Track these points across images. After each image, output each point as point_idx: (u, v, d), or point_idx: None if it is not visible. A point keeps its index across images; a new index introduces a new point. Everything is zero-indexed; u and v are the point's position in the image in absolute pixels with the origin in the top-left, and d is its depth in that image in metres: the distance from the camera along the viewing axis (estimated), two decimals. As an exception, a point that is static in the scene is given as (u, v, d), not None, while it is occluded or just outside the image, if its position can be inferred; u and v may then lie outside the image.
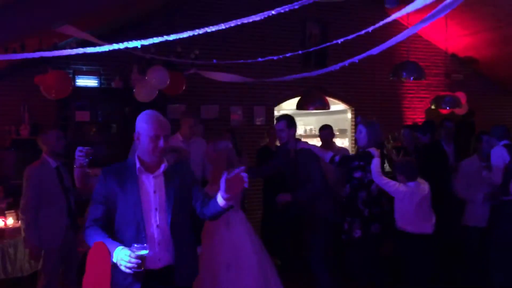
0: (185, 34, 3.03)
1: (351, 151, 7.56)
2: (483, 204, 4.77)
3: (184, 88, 6.22)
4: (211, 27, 3.04)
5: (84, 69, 6.48)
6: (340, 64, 4.66)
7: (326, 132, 6.03)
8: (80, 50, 3.00)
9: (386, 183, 4.17)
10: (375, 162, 4.12)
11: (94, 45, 3.85)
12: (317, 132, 6.67)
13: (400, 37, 4.05)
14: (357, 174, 4.25)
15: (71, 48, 5.27)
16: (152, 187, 2.50)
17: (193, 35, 3.19)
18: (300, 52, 4.36)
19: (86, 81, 6.41)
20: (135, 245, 2.21)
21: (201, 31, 3.08)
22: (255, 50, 6.88)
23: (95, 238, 2.33)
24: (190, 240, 2.64)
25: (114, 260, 2.22)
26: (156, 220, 2.46)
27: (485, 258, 4.64)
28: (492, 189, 4.62)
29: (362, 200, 4.20)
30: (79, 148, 3.26)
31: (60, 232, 4.13)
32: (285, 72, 6.31)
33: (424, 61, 8.35)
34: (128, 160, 2.59)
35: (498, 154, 4.48)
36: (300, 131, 10.05)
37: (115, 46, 2.89)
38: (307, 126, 9.76)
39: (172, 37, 3.06)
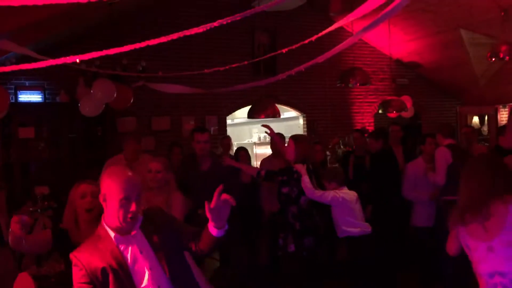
0: (126, 48, 2.98)
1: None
2: (429, 205, 4.93)
3: (132, 101, 6.12)
4: (153, 40, 3.01)
5: (27, 84, 6.26)
6: (287, 73, 4.73)
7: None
8: (15, 67, 2.89)
9: (322, 195, 4.27)
10: (305, 180, 4.17)
11: (34, 60, 3.73)
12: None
13: (344, 45, 4.16)
14: (285, 190, 4.28)
15: (11, 63, 5.10)
16: (136, 248, 2.17)
17: (137, 48, 3.15)
18: (246, 62, 4.38)
19: (30, 97, 6.19)
20: None
21: (143, 44, 3.03)
22: (204, 61, 6.88)
23: None
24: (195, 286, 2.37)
25: None
26: (154, 282, 2.14)
27: (435, 257, 4.79)
28: (436, 190, 4.78)
29: (292, 214, 4.24)
30: (15, 218, 2.59)
31: None
32: (236, 81, 6.33)
33: (370, 66, 8.61)
34: (98, 232, 2.22)
35: (442, 155, 4.64)
36: (254, 138, 10.13)
37: (52, 62, 2.81)
38: (260, 133, 9.83)
39: (113, 51, 2.99)
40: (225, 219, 2.15)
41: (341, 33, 7.48)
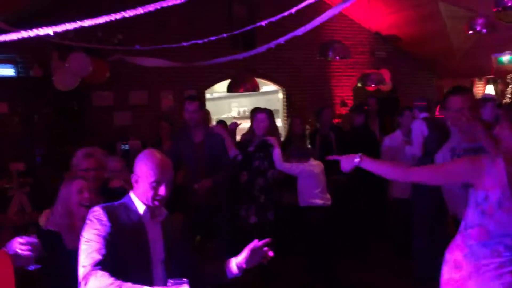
0: (100, 20, 2.88)
1: (283, 132, 7.67)
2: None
3: (108, 75, 5.99)
4: (128, 11, 2.92)
5: (-2, 58, 6.08)
6: (266, 46, 4.68)
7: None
8: (-15, 39, 2.78)
9: (291, 167, 4.42)
10: (277, 152, 4.24)
11: (4, 32, 3.59)
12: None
13: (323, 18, 4.13)
14: (255, 163, 4.29)
15: (-20, 35, 4.91)
16: (153, 236, 2.16)
17: (113, 20, 3.06)
18: (224, 35, 4.31)
19: (2, 70, 6.03)
20: (171, 281, 1.90)
21: (118, 16, 2.95)
22: (182, 34, 6.74)
23: (106, 282, 1.88)
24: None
25: None
26: (159, 273, 2.13)
27: (408, 229, 4.91)
28: (414, 162, 4.86)
29: (259, 187, 4.28)
30: (19, 240, 2.19)
31: None
32: (214, 55, 6.23)
33: (349, 39, 8.57)
34: (125, 201, 2.19)
35: (418, 128, 4.70)
36: (233, 113, 10.08)
37: (24, 34, 2.71)
38: (240, 108, 9.79)
39: (87, 23, 2.90)
40: (253, 265, 2.21)
41: (320, 5, 7.40)
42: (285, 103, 8.59)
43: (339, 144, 5.82)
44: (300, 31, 4.29)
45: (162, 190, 2.12)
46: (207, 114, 6.96)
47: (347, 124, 6.45)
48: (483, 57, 8.36)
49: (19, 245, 2.19)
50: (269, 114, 4.51)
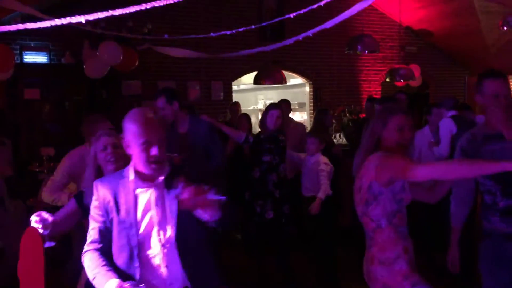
0: (131, 9, 2.94)
1: (309, 126, 7.64)
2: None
3: (136, 63, 6.08)
4: (158, 1, 2.97)
5: (32, 45, 6.23)
6: (294, 38, 4.67)
7: (282, 106, 6.02)
8: (21, 26, 2.87)
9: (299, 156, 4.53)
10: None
11: (39, 19, 3.69)
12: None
13: (352, 11, 4.09)
14: (266, 158, 4.24)
15: (16, 22, 5.05)
16: (151, 201, 2.05)
17: (143, 9, 3.11)
18: (253, 26, 4.31)
19: (35, 57, 6.18)
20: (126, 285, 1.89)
21: (148, 5, 3.00)
22: (211, 25, 6.78)
23: (90, 267, 2.01)
24: (206, 253, 2.16)
25: None
26: (160, 240, 2.03)
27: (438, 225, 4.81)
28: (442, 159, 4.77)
29: (273, 182, 4.26)
30: (35, 217, 2.30)
31: None
32: (242, 46, 6.26)
33: (379, 34, 8.46)
34: (124, 170, 2.13)
35: (446, 126, 4.61)
36: (259, 105, 10.09)
37: (57, 22, 2.78)
38: (266, 100, 9.79)
39: (118, 11, 2.96)
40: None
41: (350, -1, 7.33)
42: (312, 97, 8.54)
43: None
44: (329, 24, 4.26)
45: (154, 151, 1.99)
46: (238, 106, 6.95)
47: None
48: (518, 54, 8.13)
49: (34, 223, 2.30)
50: (283, 110, 4.46)
